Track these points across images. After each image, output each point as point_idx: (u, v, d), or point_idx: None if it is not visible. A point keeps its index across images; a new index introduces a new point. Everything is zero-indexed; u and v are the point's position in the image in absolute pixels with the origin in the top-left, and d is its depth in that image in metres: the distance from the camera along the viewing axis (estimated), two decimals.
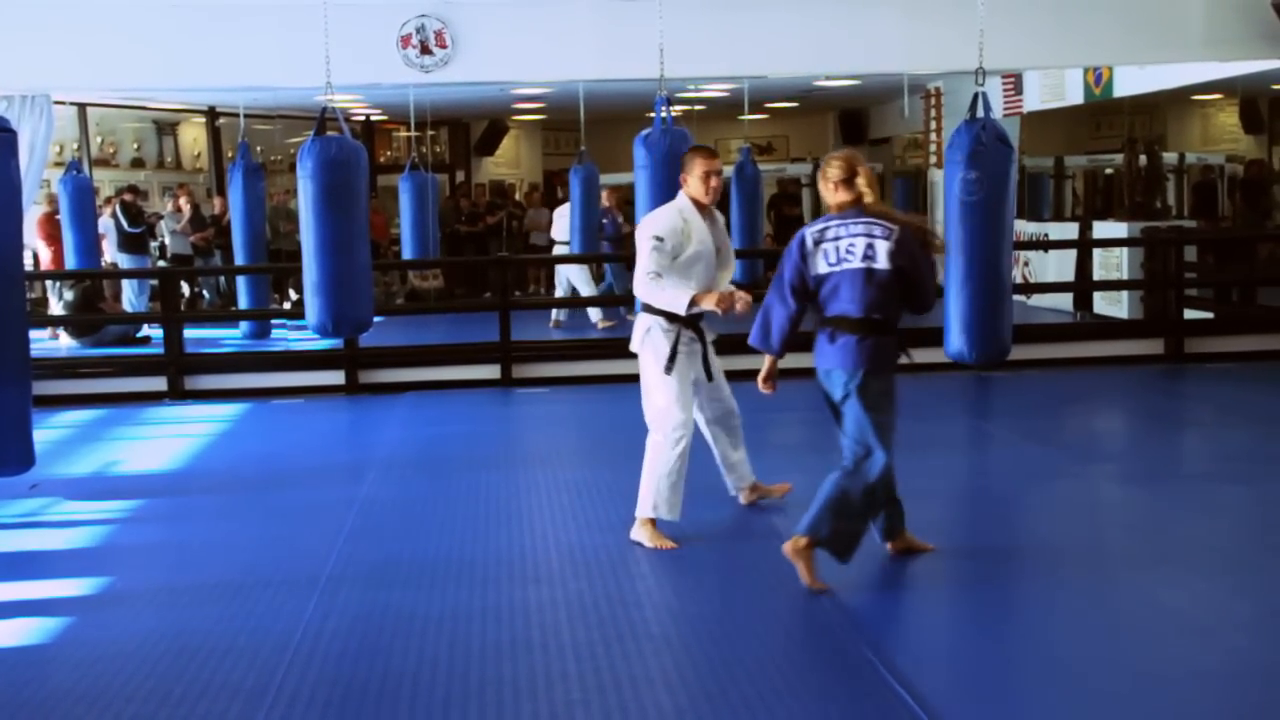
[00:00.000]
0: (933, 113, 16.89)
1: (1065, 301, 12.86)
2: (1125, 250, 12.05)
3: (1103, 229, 13.03)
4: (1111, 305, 12.25)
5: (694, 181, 5.76)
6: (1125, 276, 12.03)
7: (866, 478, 5.04)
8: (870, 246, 4.91)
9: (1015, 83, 14.43)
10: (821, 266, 4.97)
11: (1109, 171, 17.85)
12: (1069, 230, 13.90)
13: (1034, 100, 14.33)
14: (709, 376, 5.93)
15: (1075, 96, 13.48)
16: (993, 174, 6.22)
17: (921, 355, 10.11)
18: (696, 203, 5.76)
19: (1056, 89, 13.79)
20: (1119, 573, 5.32)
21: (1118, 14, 9.55)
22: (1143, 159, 14.15)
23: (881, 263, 4.90)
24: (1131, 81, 12.26)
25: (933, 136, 16.95)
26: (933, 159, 17.00)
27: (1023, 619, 4.82)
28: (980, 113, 6.20)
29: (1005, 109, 14.39)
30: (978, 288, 6.31)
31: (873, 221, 4.94)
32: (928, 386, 9.87)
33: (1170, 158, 16.81)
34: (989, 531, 6.10)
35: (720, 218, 5.95)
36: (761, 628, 4.66)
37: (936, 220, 16.56)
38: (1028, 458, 7.57)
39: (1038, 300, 13.33)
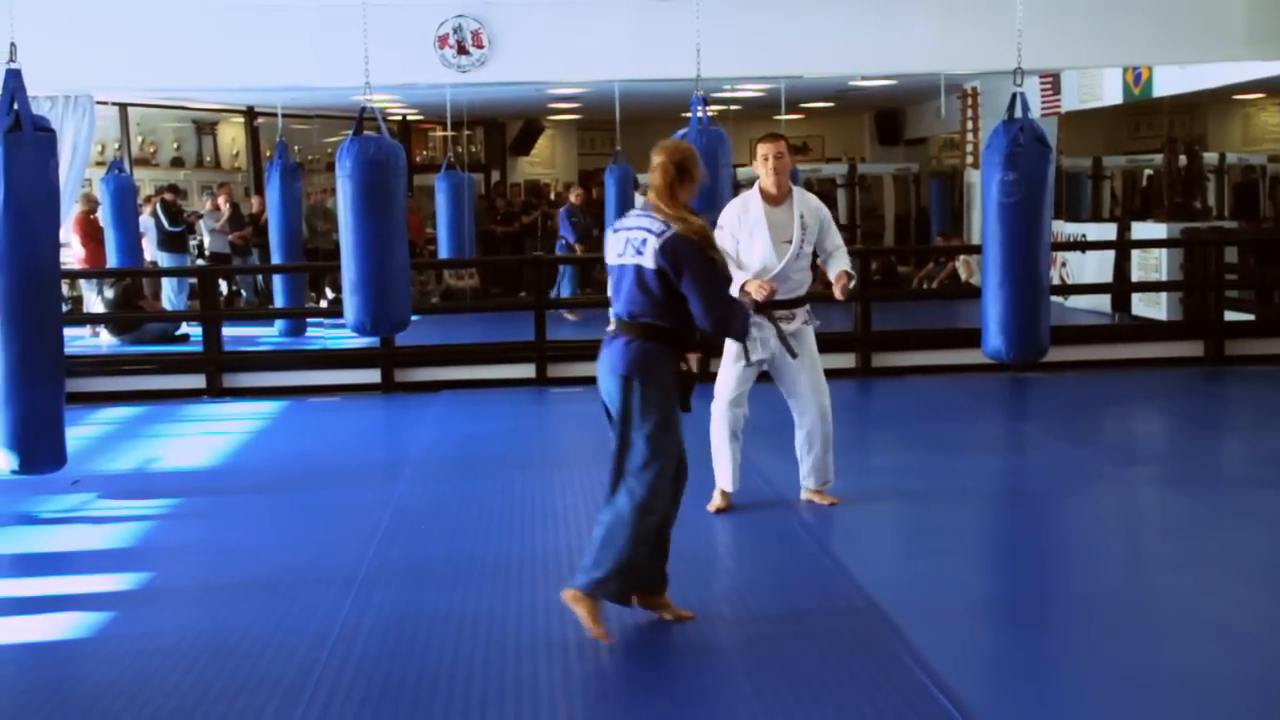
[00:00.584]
0: (969, 113, 16.79)
1: (1103, 303, 12.76)
2: (1164, 251, 11.95)
3: (1141, 230, 12.93)
4: (1150, 307, 12.15)
5: (757, 167, 5.98)
6: (1164, 278, 11.93)
7: (636, 512, 4.47)
8: (644, 242, 4.44)
9: (1053, 82, 14.33)
10: (611, 257, 4.57)
11: (1149, 172, 17.69)
12: (1107, 231, 13.80)
13: (1072, 100, 14.22)
14: (792, 354, 5.99)
15: (1114, 96, 13.37)
16: (1031, 175, 6.18)
17: (958, 356, 10.28)
18: (764, 191, 5.95)
19: (1095, 89, 13.68)
20: (1158, 577, 5.27)
21: (1157, 13, 9.47)
22: (1183, 159, 14.02)
23: (648, 261, 4.42)
24: (1171, 81, 12.14)
25: (969, 137, 16.86)
26: (969, 159, 16.90)
27: (1060, 621, 4.78)
28: (1018, 113, 6.17)
29: (1043, 109, 14.30)
30: (1015, 288, 6.28)
31: (656, 216, 4.46)
32: (963, 387, 9.82)
33: (1211, 158, 16.64)
34: (1025, 534, 6.06)
35: (806, 206, 6.01)
36: (797, 629, 4.64)
37: (974, 221, 16.50)
38: (1065, 459, 7.51)
39: (1075, 301, 13.23)
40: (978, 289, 12.52)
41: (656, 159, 4.51)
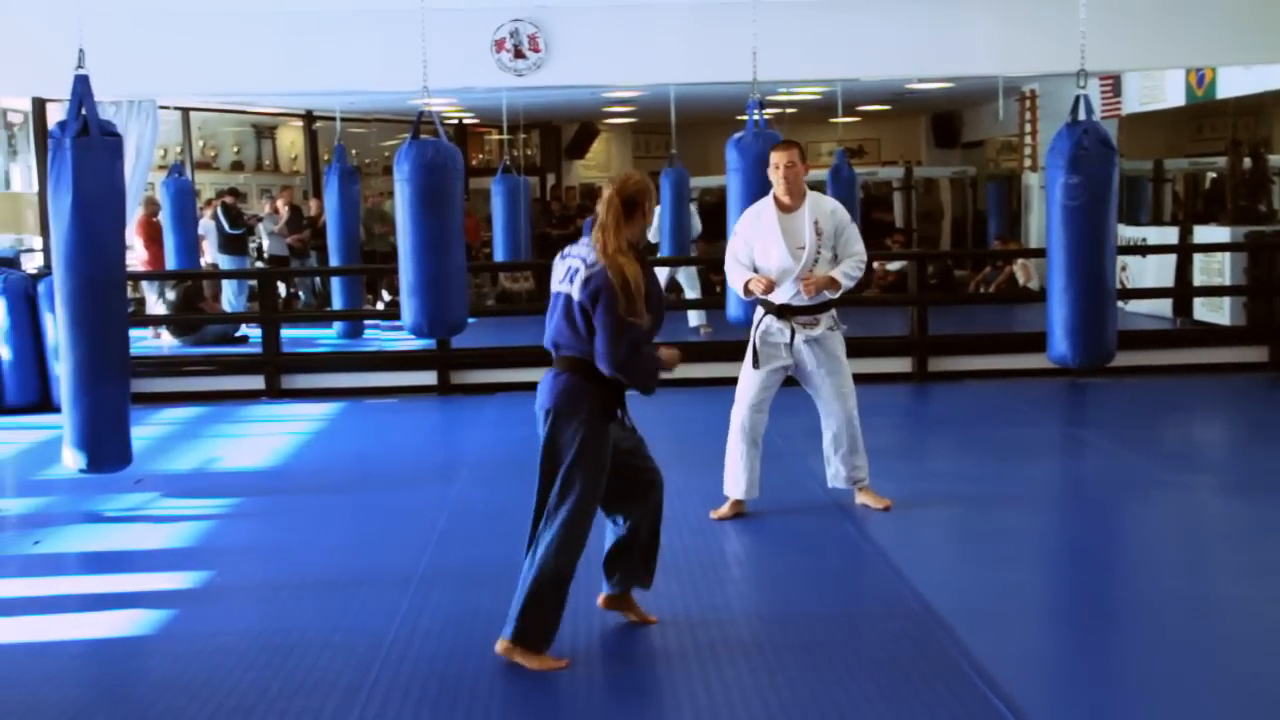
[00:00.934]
0: (1027, 115, 16.64)
1: (1164, 307, 12.59)
2: (1227, 255, 11.77)
3: (1204, 233, 12.74)
4: (1213, 311, 11.96)
5: (771, 175, 6.07)
6: (1228, 282, 11.75)
7: (545, 554, 4.35)
8: (576, 271, 4.36)
9: (1114, 84, 14.17)
10: (553, 283, 4.47)
11: (1212, 175, 17.43)
12: (1168, 235, 13.60)
13: (1133, 102, 14.05)
14: (816, 365, 6.07)
15: (1176, 98, 13.19)
16: (1095, 178, 6.12)
17: (1015, 361, 10.19)
18: (777, 199, 6.02)
19: (1156, 90, 13.51)
20: (1221, 585, 5.20)
21: (1222, 13, 9.34)
22: (1247, 162, 13.79)
23: (575, 292, 4.34)
24: (1236, 82, 11.96)
25: (1027, 139, 16.71)
26: (1027, 162, 16.75)
27: (1120, 628, 4.73)
28: (1082, 115, 6.11)
29: (1103, 111, 14.13)
30: (1080, 292, 6.22)
31: (594, 247, 4.35)
32: (1021, 392, 9.74)
33: (1277, 160, 16.36)
34: (1084, 540, 5.99)
35: (820, 212, 5.98)
36: (853, 633, 4.62)
37: (1032, 224, 16.33)
38: (1125, 466, 7.43)
39: (1135, 306, 13.06)
40: (1035, 293, 12.38)
41: (606, 192, 4.41)
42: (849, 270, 5.96)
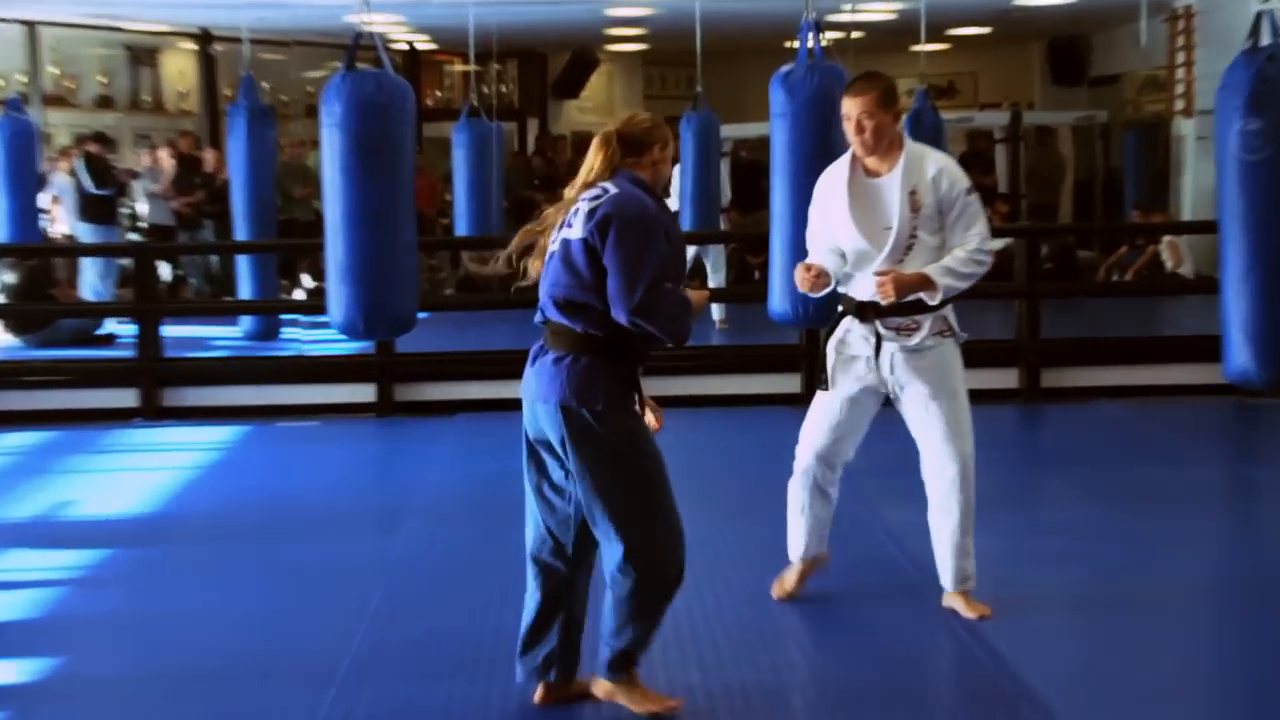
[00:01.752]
0: (1180, 41, 16.63)
1: None
2: None
3: None
4: None
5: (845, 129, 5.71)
6: None
7: (641, 572, 4.60)
8: (575, 212, 4.67)
9: None
10: (551, 243, 4.77)
11: None
12: None
13: None
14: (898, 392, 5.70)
15: None
16: None
17: (1160, 374, 10.15)
18: (855, 159, 5.68)
19: None
20: None
21: None
22: None
23: (577, 231, 4.62)
24: None
25: (1179, 74, 16.68)
26: (1179, 104, 16.73)
27: None
28: (1265, 40, 6.07)
29: None
30: (1266, 279, 6.14)
31: (606, 186, 4.67)
32: (1169, 416, 9.73)
33: None
34: (1260, 627, 5.93)
35: (920, 178, 5.53)
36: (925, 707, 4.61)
37: (1185, 187, 16.32)
38: None
39: None
40: (1190, 281, 12.37)
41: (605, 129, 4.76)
42: (957, 265, 5.46)
